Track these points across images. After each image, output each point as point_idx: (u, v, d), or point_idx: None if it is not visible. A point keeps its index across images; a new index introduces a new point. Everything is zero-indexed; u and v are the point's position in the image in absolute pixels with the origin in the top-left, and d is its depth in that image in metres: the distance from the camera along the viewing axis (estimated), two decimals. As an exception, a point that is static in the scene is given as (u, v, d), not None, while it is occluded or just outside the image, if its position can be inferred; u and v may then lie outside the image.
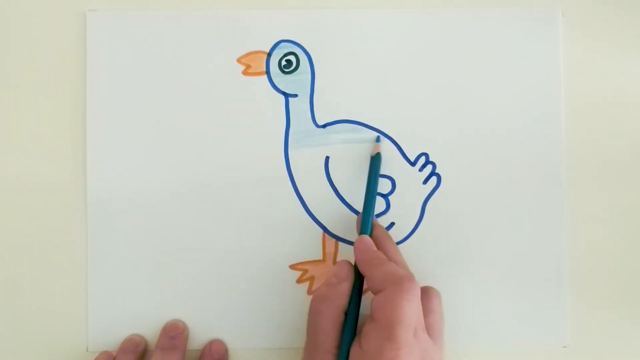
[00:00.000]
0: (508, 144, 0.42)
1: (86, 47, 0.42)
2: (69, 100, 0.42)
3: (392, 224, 0.42)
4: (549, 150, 0.42)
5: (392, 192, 0.42)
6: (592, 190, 0.43)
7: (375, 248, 0.39)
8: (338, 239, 0.42)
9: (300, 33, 0.43)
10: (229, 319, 0.42)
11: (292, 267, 0.42)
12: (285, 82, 0.43)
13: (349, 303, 0.38)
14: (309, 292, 0.42)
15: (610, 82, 0.43)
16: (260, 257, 0.42)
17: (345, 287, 0.38)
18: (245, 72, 0.43)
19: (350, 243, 0.42)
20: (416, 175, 0.42)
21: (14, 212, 0.42)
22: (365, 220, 0.40)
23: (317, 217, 0.42)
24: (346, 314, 0.38)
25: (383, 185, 0.42)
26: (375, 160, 0.41)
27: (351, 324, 0.37)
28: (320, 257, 0.42)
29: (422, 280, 0.41)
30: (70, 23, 0.43)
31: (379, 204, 0.42)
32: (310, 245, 0.42)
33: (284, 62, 0.43)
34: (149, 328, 0.42)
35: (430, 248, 0.42)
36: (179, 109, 0.42)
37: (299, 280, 0.42)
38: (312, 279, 0.42)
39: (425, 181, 0.42)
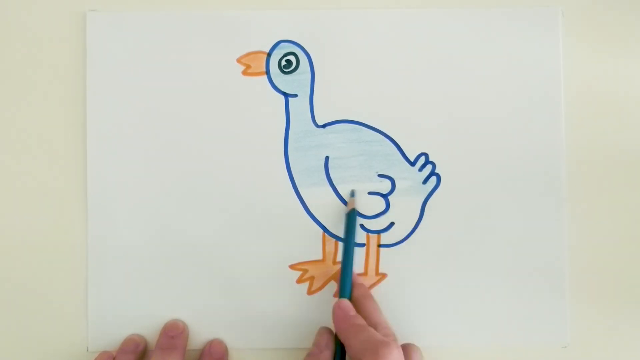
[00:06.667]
0: (508, 144, 0.42)
1: (86, 47, 0.42)
2: (69, 100, 0.42)
3: (392, 224, 0.42)
4: (548, 150, 0.42)
5: (392, 192, 0.42)
6: (592, 190, 0.43)
7: (353, 312, 0.38)
8: (338, 238, 0.42)
9: (300, 33, 0.43)
10: (229, 319, 0.42)
11: (292, 267, 0.42)
12: (285, 82, 0.43)
13: None
14: (309, 292, 0.42)
15: (610, 82, 0.43)
16: (260, 257, 0.42)
17: (326, 356, 0.38)
18: (245, 72, 0.43)
19: (350, 243, 0.42)
20: (416, 175, 0.42)
21: (13, 212, 0.42)
22: (344, 281, 0.40)
23: (317, 217, 0.42)
24: None
25: (383, 185, 0.42)
26: (351, 216, 0.41)
27: None
28: (320, 257, 0.42)
29: (422, 280, 0.41)
30: (70, 23, 0.43)
31: (379, 204, 0.42)
32: (310, 245, 0.42)
33: (283, 62, 0.43)
34: (149, 328, 0.42)
35: (430, 248, 0.42)
36: (178, 109, 0.42)
37: (299, 280, 0.42)
38: (312, 279, 0.42)
39: (425, 181, 0.42)
